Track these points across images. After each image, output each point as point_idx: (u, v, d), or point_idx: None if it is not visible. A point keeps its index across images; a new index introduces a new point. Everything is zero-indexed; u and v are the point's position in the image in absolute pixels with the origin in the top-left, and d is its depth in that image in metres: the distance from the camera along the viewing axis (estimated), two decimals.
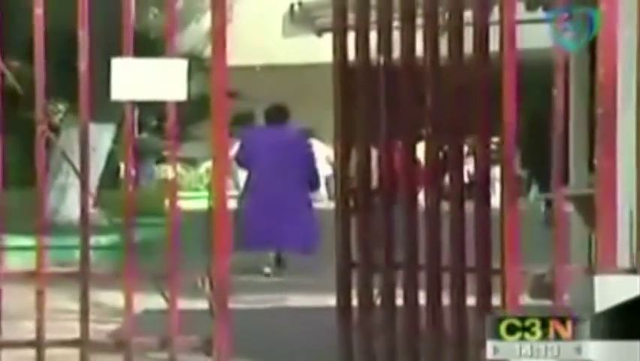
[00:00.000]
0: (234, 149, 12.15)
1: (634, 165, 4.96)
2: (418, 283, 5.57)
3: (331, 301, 5.94)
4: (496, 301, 5.23)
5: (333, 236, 5.92)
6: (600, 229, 4.91)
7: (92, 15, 4.94)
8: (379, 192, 5.76)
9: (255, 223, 10.86)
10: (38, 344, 4.95)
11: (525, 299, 5.73)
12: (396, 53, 5.66)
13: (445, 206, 5.51)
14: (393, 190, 5.72)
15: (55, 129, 13.28)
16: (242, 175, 13.99)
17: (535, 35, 6.67)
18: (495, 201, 5.30)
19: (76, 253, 5.02)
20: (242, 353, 5.57)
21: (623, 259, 4.94)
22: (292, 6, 22.65)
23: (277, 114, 11.37)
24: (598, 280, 4.46)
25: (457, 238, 5.41)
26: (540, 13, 7.00)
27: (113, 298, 5.69)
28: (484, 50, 5.33)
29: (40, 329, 4.94)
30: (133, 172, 5.08)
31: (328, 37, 6.15)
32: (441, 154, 5.58)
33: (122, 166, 5.98)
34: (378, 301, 5.72)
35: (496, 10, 5.19)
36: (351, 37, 5.76)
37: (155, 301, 5.14)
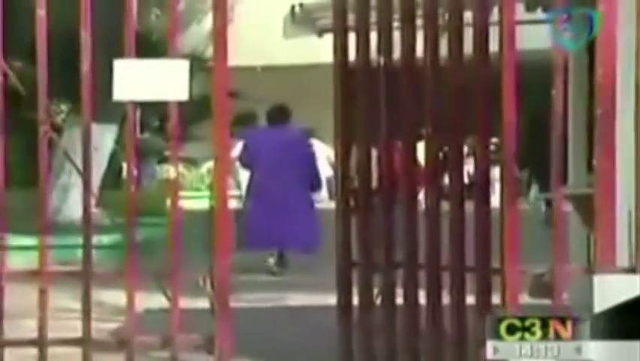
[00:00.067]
0: (236, 149, 12.20)
1: (632, 164, 4.97)
2: (418, 283, 5.58)
3: (332, 300, 5.95)
4: (495, 300, 5.24)
5: (334, 236, 5.93)
6: (599, 228, 4.93)
7: (95, 16, 4.95)
8: (379, 192, 5.77)
9: (257, 223, 10.90)
10: (41, 342, 4.96)
11: (524, 298, 5.75)
12: (396, 53, 5.67)
13: (445, 206, 5.52)
14: (394, 190, 5.73)
15: (57, 130, 13.29)
16: (243, 175, 14.02)
17: (535, 36, 6.69)
18: (495, 201, 5.32)
19: (79, 253, 5.03)
20: (243, 352, 5.59)
21: (622, 258, 4.95)
22: (293, 7, 22.67)
23: (279, 115, 11.39)
24: (597, 279, 4.47)
25: (457, 237, 5.41)
26: (539, 14, 7.01)
27: (115, 297, 5.70)
28: (484, 50, 5.34)
29: (42, 328, 4.96)
30: (135, 172, 5.11)
31: (329, 38, 6.17)
32: (441, 154, 5.60)
33: (125, 166, 6.00)
34: (378, 301, 5.73)
35: (495, 10, 5.21)
36: (351, 37, 5.76)
37: (157, 300, 5.16)
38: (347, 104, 5.85)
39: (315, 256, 10.80)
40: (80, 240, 5.01)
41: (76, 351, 5.00)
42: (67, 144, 11.22)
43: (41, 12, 4.90)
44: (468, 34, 5.39)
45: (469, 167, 6.20)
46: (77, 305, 5.08)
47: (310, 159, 11.30)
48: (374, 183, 5.79)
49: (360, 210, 5.81)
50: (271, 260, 11.11)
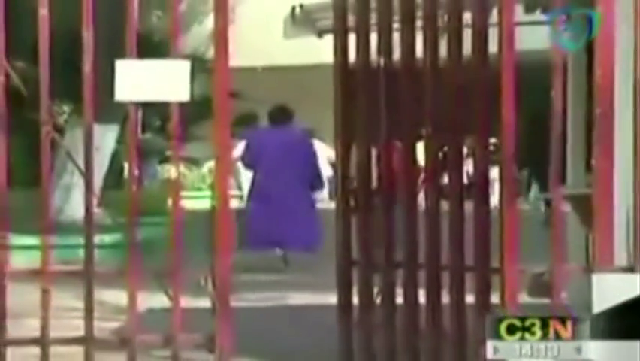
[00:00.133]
0: (238, 149, 12.23)
1: (631, 164, 4.98)
2: (417, 282, 5.59)
3: (332, 299, 5.96)
4: (494, 299, 5.25)
5: (334, 235, 5.95)
6: (598, 228, 4.94)
7: (97, 17, 4.95)
8: (379, 192, 5.78)
9: (259, 223, 10.93)
10: (43, 341, 4.97)
11: (524, 298, 5.77)
12: (396, 54, 5.69)
13: (445, 206, 5.54)
14: (393, 190, 5.75)
15: (59, 130, 13.31)
16: (244, 176, 14.04)
17: (534, 37, 6.70)
18: (494, 200, 5.34)
19: (81, 252, 5.04)
20: (243, 351, 5.60)
21: (621, 257, 4.97)
22: (293, 8, 22.64)
23: (281, 115, 11.43)
24: (595, 278, 4.48)
25: (457, 237, 5.43)
26: (538, 15, 7.04)
27: (117, 296, 5.70)
28: (483, 51, 5.35)
29: (45, 327, 4.96)
30: (136, 172, 5.12)
31: (329, 39, 6.18)
32: (440, 154, 5.62)
33: (126, 166, 6.02)
34: (378, 300, 5.74)
35: (495, 12, 5.23)
36: (351, 38, 5.78)
37: (159, 300, 5.17)
38: (347, 105, 5.87)
39: (316, 255, 10.83)
40: (81, 239, 5.02)
41: (79, 350, 5.02)
42: (69, 144, 11.24)
43: (43, 12, 4.91)
44: (467, 35, 5.40)
45: (468, 167, 6.22)
46: (79, 304, 5.09)
47: (312, 158, 11.33)
48: (374, 183, 5.81)
49: (360, 210, 5.82)
50: (279, 255, 11.15)
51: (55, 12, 5.01)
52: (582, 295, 4.52)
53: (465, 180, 5.62)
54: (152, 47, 11.22)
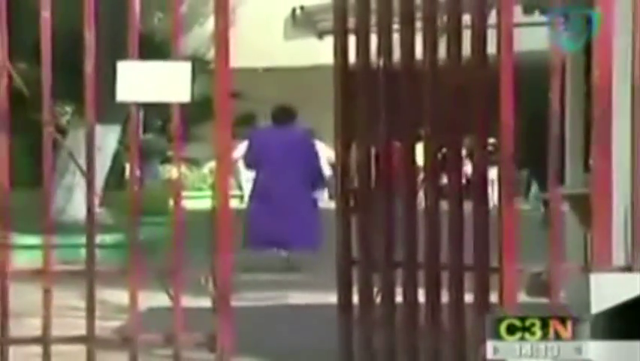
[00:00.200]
0: (239, 150, 12.27)
1: (628, 165, 5.01)
2: (417, 281, 5.61)
3: (332, 298, 5.98)
4: (493, 298, 5.26)
5: (334, 235, 5.97)
6: (596, 227, 4.96)
7: (98, 18, 4.98)
8: (379, 192, 5.81)
9: (261, 223, 10.96)
10: (45, 340, 4.99)
11: (522, 297, 5.79)
12: (395, 55, 5.71)
13: (444, 205, 5.57)
14: (393, 190, 5.78)
15: (62, 130, 13.34)
16: (245, 176, 14.05)
17: (532, 38, 6.73)
18: (493, 200, 5.37)
19: (83, 252, 5.06)
20: (244, 350, 5.62)
21: (619, 257, 4.98)
22: (294, 9, 22.70)
23: (284, 115, 11.46)
24: (593, 278, 4.52)
25: (456, 236, 5.44)
26: (537, 17, 7.06)
27: (119, 295, 5.72)
28: (482, 52, 5.37)
29: (47, 326, 4.98)
30: (138, 172, 5.13)
31: (329, 40, 6.20)
32: (439, 154, 5.64)
33: (128, 166, 6.04)
34: (378, 299, 5.75)
35: (493, 13, 5.25)
36: (351, 39, 5.80)
37: (160, 299, 5.19)
38: (347, 105, 5.89)
39: (316, 255, 10.86)
40: (83, 239, 5.04)
41: (81, 349, 5.04)
42: (71, 144, 11.27)
43: (46, 14, 4.93)
44: (466, 37, 5.42)
45: (467, 167, 6.25)
46: (81, 304, 5.11)
47: (314, 158, 11.36)
48: (374, 183, 5.84)
49: (360, 210, 5.85)
50: (284, 256, 11.18)
51: (58, 13, 5.03)
52: (580, 295, 4.54)
53: (464, 180, 5.64)
54: (153, 48, 11.27)
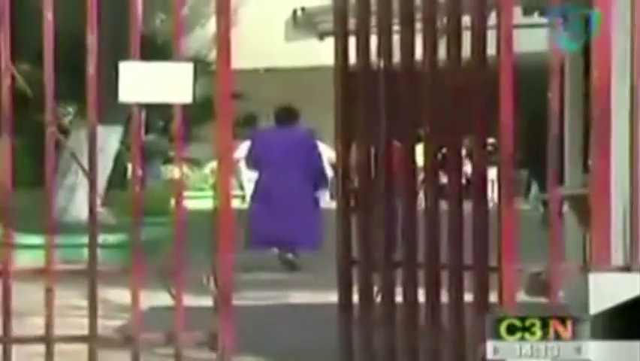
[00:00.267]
0: (240, 150, 12.29)
1: (627, 165, 5.02)
2: (417, 281, 5.63)
3: (332, 297, 6.00)
4: (493, 298, 5.28)
5: (334, 235, 5.98)
6: (595, 227, 4.98)
7: (101, 20, 5.00)
8: (379, 192, 5.84)
9: (264, 223, 10.99)
10: (48, 339, 5.01)
11: (521, 296, 5.81)
12: (395, 56, 5.73)
13: (444, 205, 5.59)
14: (393, 190, 5.80)
15: (64, 131, 13.36)
16: (246, 176, 14.06)
17: (532, 39, 6.75)
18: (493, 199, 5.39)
19: (85, 251, 5.08)
20: (245, 349, 5.64)
21: (617, 257, 4.99)
22: (295, 11, 22.71)
23: (287, 115, 11.49)
24: (592, 277, 4.53)
25: (456, 236, 5.46)
26: (536, 18, 7.08)
27: (121, 295, 5.74)
28: (482, 53, 5.39)
29: (49, 325, 5.00)
30: (140, 172, 5.13)
31: (330, 41, 6.21)
32: (439, 155, 5.67)
33: (130, 167, 6.05)
34: (378, 299, 5.78)
35: (493, 14, 5.27)
36: (352, 41, 5.82)
37: (161, 298, 5.20)
38: (347, 106, 5.90)
39: (316, 254, 10.88)
40: (85, 239, 5.05)
41: (83, 348, 5.05)
42: (73, 145, 11.29)
43: (48, 15, 4.95)
44: (466, 38, 5.43)
45: (467, 167, 6.27)
46: (83, 303, 5.13)
47: (316, 158, 11.39)
48: (374, 183, 5.86)
49: (360, 210, 5.87)
50: (289, 255, 11.21)
51: (60, 15, 5.05)
52: (579, 294, 4.55)
53: (464, 180, 5.66)
54: (155, 50, 11.30)
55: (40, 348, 5.05)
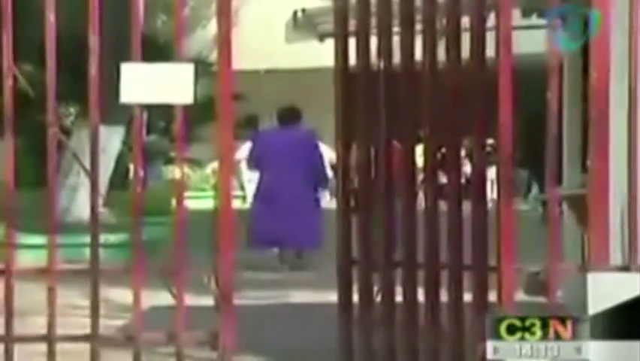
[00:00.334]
0: (241, 151, 12.32)
1: (625, 165, 5.03)
2: (416, 281, 5.64)
3: (333, 297, 6.01)
4: (492, 297, 5.29)
5: (335, 235, 6.00)
6: (593, 227, 4.99)
7: (103, 21, 5.02)
8: (379, 192, 5.85)
9: (264, 223, 11.01)
10: (50, 338, 5.03)
11: (520, 296, 5.82)
12: (395, 57, 5.75)
13: (443, 205, 5.61)
14: (393, 190, 5.82)
15: (66, 131, 13.38)
16: (247, 176, 14.08)
17: (530, 41, 6.77)
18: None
19: (87, 251, 5.09)
20: (246, 348, 5.67)
21: (615, 257, 5.00)
22: (295, 12, 22.72)
23: (290, 115, 11.52)
24: (590, 277, 4.54)
25: (455, 236, 5.48)
26: (535, 20, 7.09)
27: (122, 294, 5.74)
28: (481, 54, 5.41)
29: (51, 325, 5.02)
30: (141, 173, 5.15)
31: (330, 43, 6.23)
32: (439, 155, 5.69)
33: (131, 167, 6.06)
34: (378, 298, 5.79)
35: (492, 16, 5.29)
36: (352, 42, 5.83)
37: (163, 298, 5.20)
38: (347, 107, 5.91)
39: (317, 254, 10.91)
40: (87, 239, 5.07)
41: (85, 347, 5.07)
42: (75, 145, 11.31)
43: (51, 16, 4.96)
44: (465, 39, 5.45)
45: (466, 167, 6.29)
46: (85, 303, 5.15)
47: (318, 158, 11.42)
48: (374, 183, 5.88)
49: (360, 210, 5.89)
50: (292, 255, 11.24)
51: (62, 16, 5.07)
52: (577, 294, 4.55)
53: (463, 181, 5.68)
54: (156, 51, 11.28)
55: (42, 347, 5.07)
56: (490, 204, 5.47)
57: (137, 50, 4.99)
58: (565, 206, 6.50)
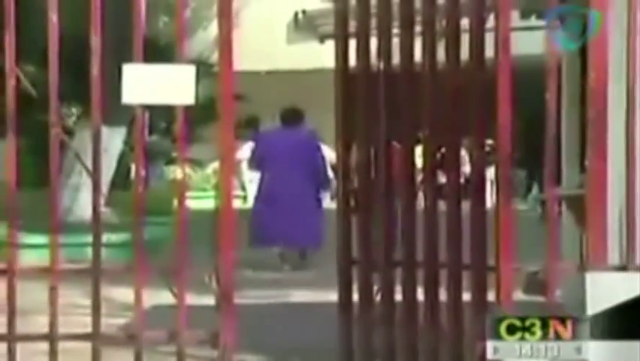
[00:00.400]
0: (242, 151, 12.35)
1: (624, 165, 5.05)
2: (416, 280, 5.66)
3: (333, 297, 6.04)
4: (491, 297, 5.30)
5: (335, 234, 6.01)
6: (591, 227, 5.00)
7: (104, 22, 5.02)
8: (379, 192, 5.87)
9: (265, 222, 11.04)
10: (52, 337, 5.04)
11: (519, 295, 5.84)
12: (395, 58, 5.77)
13: (443, 205, 5.63)
14: (393, 190, 5.85)
15: (68, 132, 13.39)
16: (248, 176, 14.09)
17: (529, 42, 6.78)
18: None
19: (88, 251, 5.10)
20: (246, 347, 5.68)
21: (614, 256, 5.02)
22: (296, 14, 22.72)
23: (292, 116, 11.54)
24: (589, 277, 4.54)
25: (454, 236, 5.50)
26: (534, 21, 7.11)
27: (124, 293, 5.75)
28: (480, 55, 5.42)
29: (53, 324, 5.03)
30: (143, 173, 5.15)
31: (330, 44, 6.26)
32: (438, 155, 5.71)
33: (133, 167, 6.09)
34: (377, 298, 5.81)
35: (491, 17, 5.30)
36: (352, 43, 5.85)
37: (164, 297, 5.21)
38: (348, 107, 5.93)
39: (317, 254, 10.93)
40: (89, 238, 5.08)
41: (86, 346, 5.08)
42: (78, 145, 11.31)
43: (53, 17, 4.97)
44: (465, 40, 5.47)
45: (465, 167, 6.31)
46: (87, 302, 5.17)
47: (319, 159, 11.44)
48: (374, 183, 5.90)
49: (360, 210, 5.91)
50: (294, 255, 11.26)
51: (65, 17, 5.09)
52: (576, 293, 4.55)
53: (462, 181, 5.70)
54: (158, 52, 11.31)
55: (44, 346, 5.08)
56: (489, 204, 5.50)
57: (139, 51, 5.00)
58: (563, 206, 6.51)
